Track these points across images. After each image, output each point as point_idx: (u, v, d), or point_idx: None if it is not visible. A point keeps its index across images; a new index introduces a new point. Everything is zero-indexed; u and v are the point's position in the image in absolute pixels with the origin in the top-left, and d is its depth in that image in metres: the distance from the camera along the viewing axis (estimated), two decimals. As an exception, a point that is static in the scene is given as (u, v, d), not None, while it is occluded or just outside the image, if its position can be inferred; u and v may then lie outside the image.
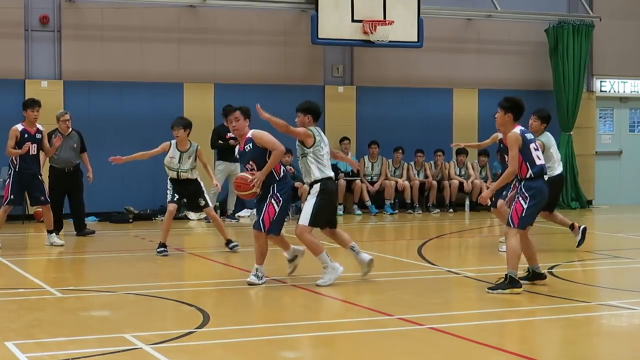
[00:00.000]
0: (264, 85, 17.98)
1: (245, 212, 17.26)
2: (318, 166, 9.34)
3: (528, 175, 8.93)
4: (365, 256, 9.65)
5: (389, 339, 7.10)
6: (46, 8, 17.02)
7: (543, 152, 11.87)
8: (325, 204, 9.36)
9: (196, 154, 12.00)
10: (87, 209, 15.37)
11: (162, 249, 11.84)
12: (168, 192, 12.05)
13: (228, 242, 12.17)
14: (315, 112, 9.50)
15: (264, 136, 9.32)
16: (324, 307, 8.65)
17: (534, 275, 9.38)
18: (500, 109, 9.07)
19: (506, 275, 8.87)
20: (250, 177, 9.24)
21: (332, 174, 9.51)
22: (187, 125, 12.09)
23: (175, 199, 11.99)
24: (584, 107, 20.17)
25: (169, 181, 12.10)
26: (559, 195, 12.81)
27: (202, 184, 12.24)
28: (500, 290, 8.80)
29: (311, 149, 9.35)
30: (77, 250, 13.13)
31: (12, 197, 12.65)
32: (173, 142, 12.01)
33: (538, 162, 9.00)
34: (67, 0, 17.02)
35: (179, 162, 11.93)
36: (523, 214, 8.86)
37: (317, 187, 9.34)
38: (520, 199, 8.91)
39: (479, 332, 7.38)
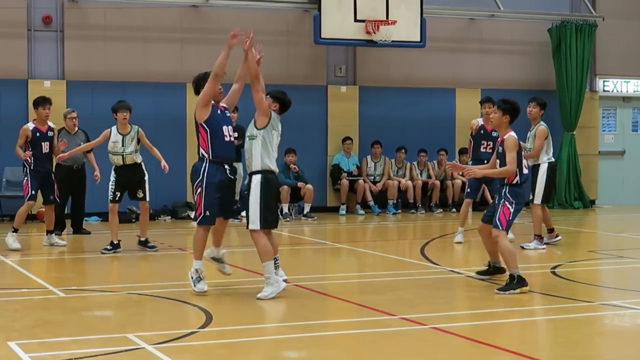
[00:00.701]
0: (266, 85, 17.77)
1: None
2: (263, 153, 8.77)
3: (515, 182, 9.03)
4: (281, 274, 9.05)
5: (391, 338, 7.09)
6: (49, 8, 17.02)
7: (546, 138, 12.19)
8: (269, 201, 8.85)
9: (138, 135, 12.23)
10: (90, 209, 15.40)
11: (109, 247, 12.03)
12: (110, 187, 12.11)
13: (145, 241, 12.24)
14: (284, 104, 9.16)
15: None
16: (327, 307, 8.65)
17: (495, 270, 9.61)
18: (499, 110, 9.11)
19: (511, 275, 8.90)
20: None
21: (275, 168, 8.85)
22: (131, 108, 12.41)
23: (117, 198, 12.13)
24: (587, 107, 20.14)
25: (112, 173, 12.17)
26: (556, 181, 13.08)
27: (146, 174, 12.33)
28: (511, 291, 8.85)
29: (261, 131, 8.82)
30: (79, 250, 13.14)
31: (32, 192, 12.63)
32: (113, 127, 12.28)
33: (525, 170, 9.15)
34: (69, 0, 17.04)
35: (123, 145, 12.12)
36: (510, 217, 9.02)
37: (256, 179, 8.74)
38: (507, 203, 9.02)
39: (481, 332, 7.39)
